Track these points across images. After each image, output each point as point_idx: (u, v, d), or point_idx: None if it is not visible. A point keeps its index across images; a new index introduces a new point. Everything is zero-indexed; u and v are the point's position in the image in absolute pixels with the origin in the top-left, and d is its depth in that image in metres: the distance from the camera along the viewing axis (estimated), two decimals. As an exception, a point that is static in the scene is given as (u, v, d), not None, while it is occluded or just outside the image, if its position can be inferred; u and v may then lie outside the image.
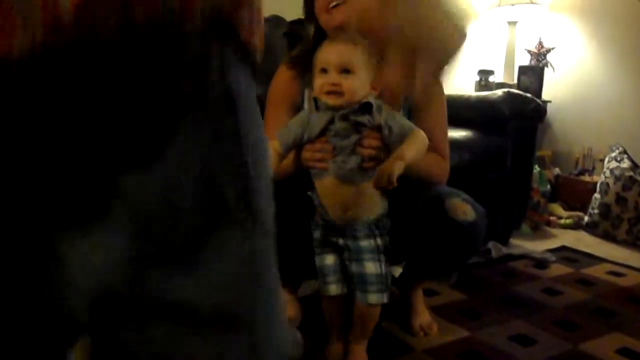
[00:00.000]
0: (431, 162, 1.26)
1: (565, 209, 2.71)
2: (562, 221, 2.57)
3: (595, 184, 2.51)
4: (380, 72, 1.01)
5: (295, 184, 1.13)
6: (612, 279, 1.84)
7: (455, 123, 1.85)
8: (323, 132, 1.09)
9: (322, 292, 1.20)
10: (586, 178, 2.75)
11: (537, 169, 2.51)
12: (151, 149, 0.32)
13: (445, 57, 0.50)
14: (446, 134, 1.37)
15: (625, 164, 2.39)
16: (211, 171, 0.34)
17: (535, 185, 2.47)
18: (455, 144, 1.70)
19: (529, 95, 2.15)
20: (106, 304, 0.34)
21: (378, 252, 1.12)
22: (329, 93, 1.05)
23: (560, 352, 1.30)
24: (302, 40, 1.33)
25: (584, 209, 2.60)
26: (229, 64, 0.35)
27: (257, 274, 0.38)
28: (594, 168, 2.77)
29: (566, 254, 2.10)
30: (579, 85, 2.96)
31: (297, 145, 1.13)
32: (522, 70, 2.93)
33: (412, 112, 1.31)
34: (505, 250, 2.05)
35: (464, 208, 1.19)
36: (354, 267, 1.13)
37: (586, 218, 2.50)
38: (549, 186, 2.65)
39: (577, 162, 2.87)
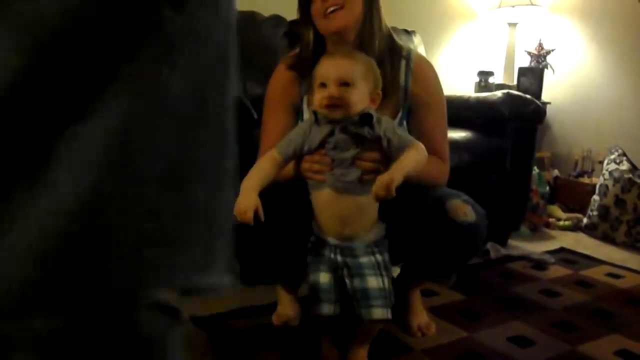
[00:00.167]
0: (431, 166, 1.26)
1: (564, 210, 2.71)
2: (561, 223, 2.57)
3: (594, 185, 2.51)
4: None
5: (297, 185, 1.13)
6: (610, 280, 1.84)
7: (455, 124, 1.85)
8: (322, 144, 1.08)
9: (313, 312, 1.13)
10: (585, 180, 2.75)
11: (536, 170, 2.51)
12: None
13: None
14: (446, 135, 1.37)
15: (625, 166, 2.40)
16: None
17: (534, 186, 2.47)
18: (454, 145, 1.70)
19: (528, 96, 2.15)
20: None
21: (379, 268, 1.10)
22: (328, 106, 1.05)
23: (558, 354, 1.30)
24: (301, 40, 1.32)
25: (583, 210, 2.60)
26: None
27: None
28: (593, 170, 2.78)
29: (565, 256, 2.10)
30: (578, 87, 2.97)
31: (297, 156, 1.12)
32: (522, 71, 2.94)
33: (412, 113, 1.31)
34: (504, 251, 2.05)
35: (464, 209, 1.19)
36: (355, 283, 1.10)
37: (585, 220, 2.51)
38: (548, 188, 2.66)
39: (576, 164, 2.87)
